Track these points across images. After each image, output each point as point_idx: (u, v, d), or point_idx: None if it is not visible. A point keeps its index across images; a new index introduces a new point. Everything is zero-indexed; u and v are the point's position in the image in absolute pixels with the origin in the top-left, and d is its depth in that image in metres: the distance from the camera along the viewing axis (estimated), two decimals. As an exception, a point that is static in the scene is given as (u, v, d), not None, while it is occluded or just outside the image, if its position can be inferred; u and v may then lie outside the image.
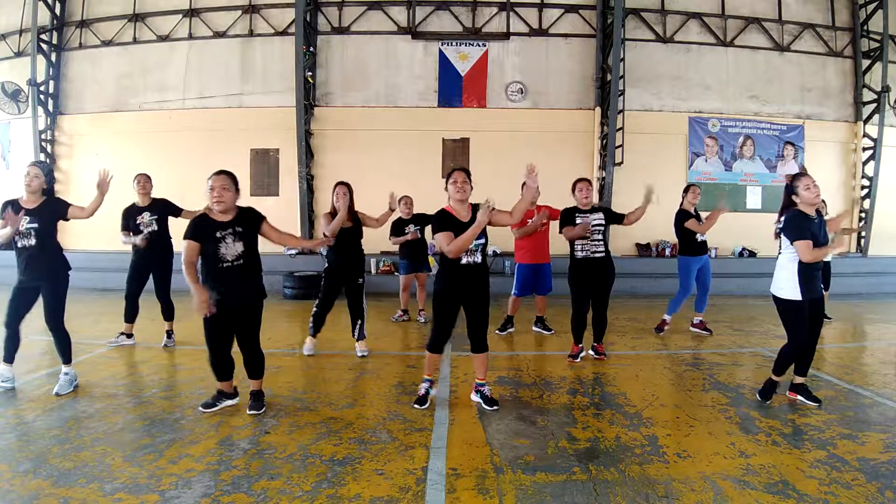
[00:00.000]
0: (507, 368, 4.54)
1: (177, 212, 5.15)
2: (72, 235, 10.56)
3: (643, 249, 10.44)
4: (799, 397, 3.70)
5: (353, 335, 4.90)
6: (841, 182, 11.03)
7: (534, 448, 2.92)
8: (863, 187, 10.89)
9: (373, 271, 9.35)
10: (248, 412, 3.38)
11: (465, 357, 4.90)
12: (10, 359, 3.81)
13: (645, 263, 10.10)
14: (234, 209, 3.28)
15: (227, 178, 3.23)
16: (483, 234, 3.39)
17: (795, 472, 2.65)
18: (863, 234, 10.87)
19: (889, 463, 2.75)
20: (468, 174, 3.43)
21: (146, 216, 5.04)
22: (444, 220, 3.39)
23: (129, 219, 5.05)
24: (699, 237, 5.71)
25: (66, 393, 3.71)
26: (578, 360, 4.73)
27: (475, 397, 3.64)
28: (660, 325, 6.01)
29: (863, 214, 10.88)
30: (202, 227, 3.20)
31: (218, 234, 3.18)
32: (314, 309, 4.87)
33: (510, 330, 5.94)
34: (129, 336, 5.22)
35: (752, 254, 10.26)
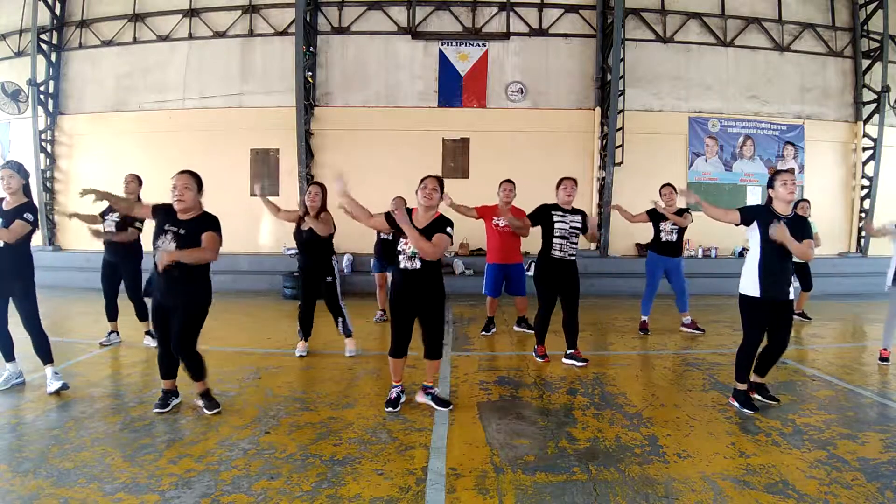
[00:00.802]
0: (507, 368, 4.54)
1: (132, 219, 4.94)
2: (72, 235, 10.58)
3: (643, 249, 10.43)
4: (756, 395, 3.66)
5: (339, 333, 4.91)
6: (841, 182, 11.03)
7: (534, 448, 2.92)
8: (863, 187, 10.88)
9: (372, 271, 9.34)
10: (207, 412, 3.34)
11: (465, 357, 4.92)
12: (9, 357, 3.81)
13: (645, 263, 10.09)
14: (198, 211, 3.27)
15: (190, 177, 3.24)
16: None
17: (795, 472, 2.65)
18: (863, 234, 10.86)
19: (889, 463, 2.75)
20: (440, 182, 3.41)
21: (111, 217, 5.03)
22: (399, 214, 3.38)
23: (106, 212, 5.07)
24: (663, 237, 5.73)
25: (54, 390, 3.64)
26: (548, 358, 4.67)
27: (423, 398, 3.59)
28: (641, 326, 6.05)
29: (863, 214, 10.87)
30: (164, 211, 3.27)
31: (165, 227, 3.20)
32: (298, 311, 4.88)
33: (493, 330, 5.88)
34: (116, 334, 5.26)
35: (752, 254, 10.25)
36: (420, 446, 2.93)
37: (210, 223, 3.26)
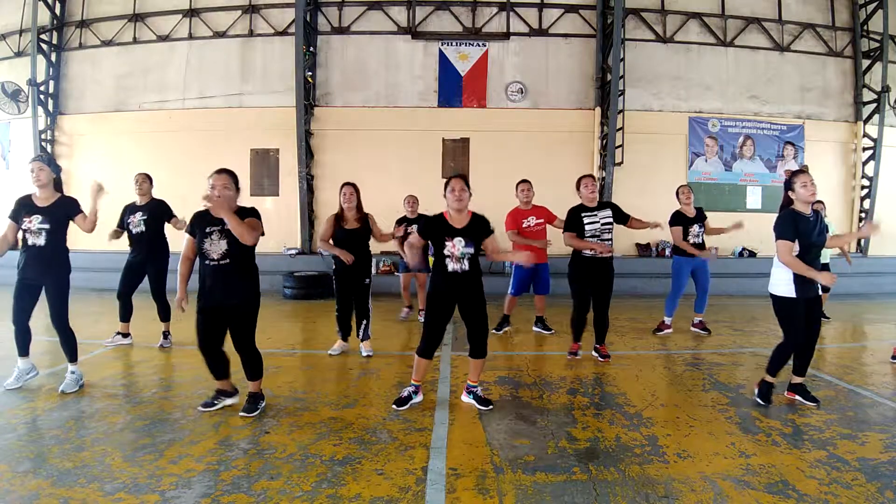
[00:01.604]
0: (507, 368, 4.54)
1: (168, 216, 5.10)
2: (72, 235, 10.58)
3: (643, 249, 10.45)
4: (797, 397, 3.70)
5: (358, 335, 4.90)
6: (841, 182, 11.04)
7: (534, 448, 2.92)
8: (863, 187, 10.89)
9: (373, 271, 9.35)
10: (240, 413, 3.34)
11: (465, 357, 4.90)
12: (24, 352, 3.82)
13: (645, 263, 10.11)
14: (235, 208, 3.25)
15: (228, 176, 3.23)
16: (472, 243, 3.35)
17: (795, 472, 2.65)
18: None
19: (889, 463, 2.75)
20: (466, 182, 3.42)
21: (137, 216, 5.01)
22: (432, 224, 3.43)
23: (124, 216, 5.07)
24: (691, 239, 5.72)
25: (71, 391, 3.71)
26: (579, 356, 4.72)
27: (466, 398, 3.62)
28: (659, 327, 6.01)
29: (863, 214, 10.88)
30: (198, 221, 3.26)
31: (207, 229, 3.19)
32: (336, 313, 4.91)
33: (506, 328, 5.93)
34: (126, 335, 5.21)
35: (752, 254, 10.27)
36: (420, 446, 2.93)
37: (250, 212, 3.28)
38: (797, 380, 3.71)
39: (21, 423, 3.22)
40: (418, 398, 3.61)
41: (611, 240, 4.61)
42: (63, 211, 3.75)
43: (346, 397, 3.78)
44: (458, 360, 4.63)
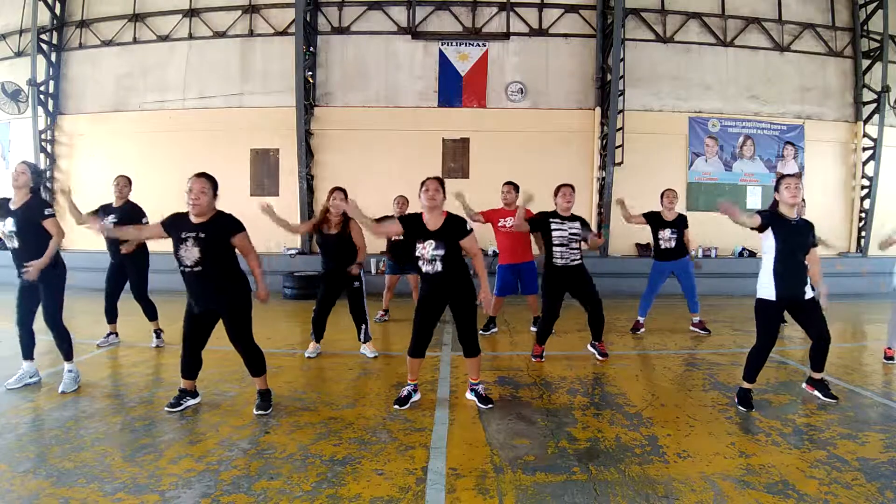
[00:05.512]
0: (507, 368, 4.54)
1: (139, 220, 4.92)
2: (73, 235, 10.59)
3: (643, 249, 10.44)
4: (816, 392, 3.72)
5: (359, 339, 4.89)
6: (841, 182, 11.02)
7: (534, 448, 2.92)
8: (863, 187, 10.88)
9: (372, 271, 9.36)
10: (254, 412, 3.37)
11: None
12: (28, 355, 3.84)
13: (645, 263, 10.03)
14: (212, 212, 3.23)
15: (206, 180, 3.19)
16: (443, 245, 3.34)
17: (795, 472, 2.65)
18: (863, 234, 10.87)
19: (889, 463, 2.75)
20: (441, 183, 3.44)
21: (109, 219, 4.91)
22: (409, 221, 3.45)
23: (98, 213, 4.94)
24: (662, 245, 5.76)
25: (71, 391, 3.72)
26: (543, 359, 4.70)
27: (469, 395, 3.66)
28: (635, 326, 6.07)
29: (863, 214, 10.88)
30: (175, 221, 3.24)
31: (182, 235, 3.16)
32: (313, 314, 4.84)
33: (493, 330, 5.91)
34: (116, 335, 5.24)
35: (752, 254, 10.25)
36: (420, 446, 2.93)
37: (232, 224, 3.27)
38: (816, 375, 3.73)
39: (21, 423, 3.22)
40: (417, 396, 3.64)
41: (578, 249, 4.62)
42: (28, 212, 3.66)
43: (346, 397, 3.79)
44: (458, 360, 4.62)
